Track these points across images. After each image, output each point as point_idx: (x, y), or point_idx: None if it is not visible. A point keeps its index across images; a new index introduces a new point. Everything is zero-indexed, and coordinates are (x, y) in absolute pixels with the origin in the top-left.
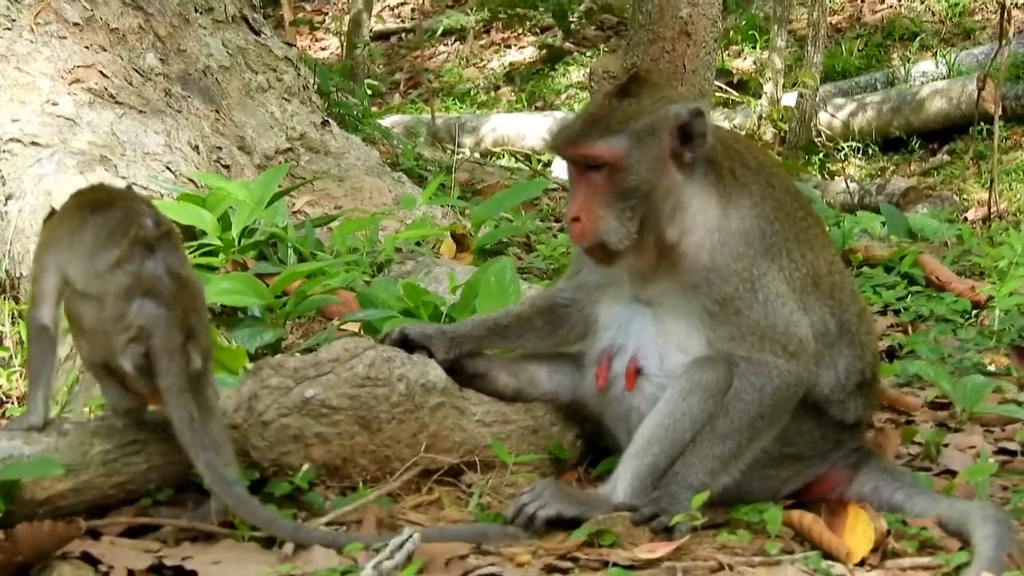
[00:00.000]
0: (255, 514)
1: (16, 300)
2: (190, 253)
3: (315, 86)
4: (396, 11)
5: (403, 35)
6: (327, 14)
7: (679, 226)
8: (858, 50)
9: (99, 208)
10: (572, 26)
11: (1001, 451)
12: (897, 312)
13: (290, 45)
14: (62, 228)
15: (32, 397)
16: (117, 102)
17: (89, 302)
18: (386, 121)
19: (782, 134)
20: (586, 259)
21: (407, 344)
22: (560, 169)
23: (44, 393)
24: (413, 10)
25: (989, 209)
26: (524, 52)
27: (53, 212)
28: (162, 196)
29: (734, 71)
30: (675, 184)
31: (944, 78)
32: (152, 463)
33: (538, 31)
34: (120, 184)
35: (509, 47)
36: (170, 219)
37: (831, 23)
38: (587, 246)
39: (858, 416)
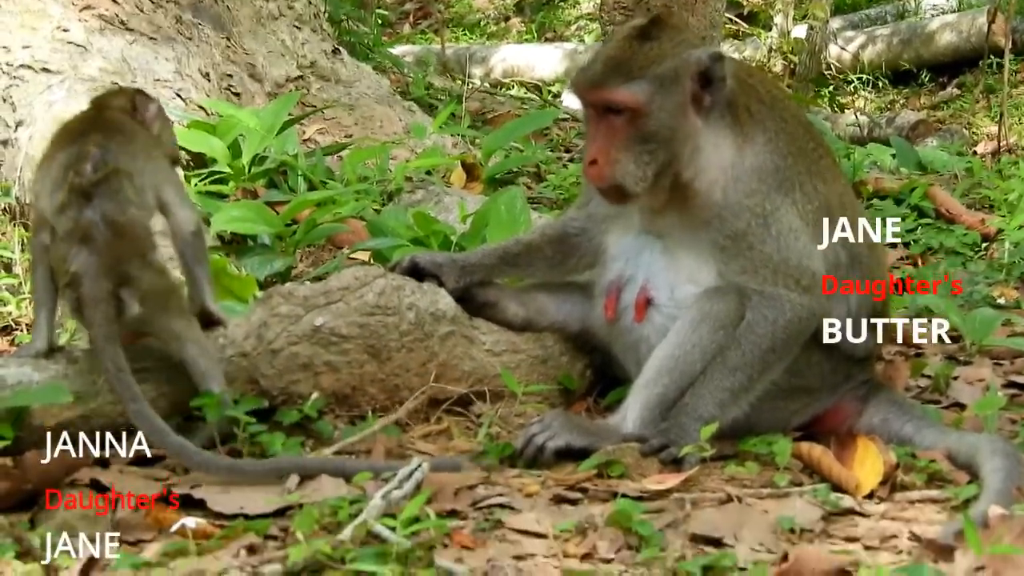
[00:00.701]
0: (191, 459)
1: (26, 227)
2: (200, 181)
3: (326, 14)
4: None
5: None
6: None
7: (695, 166)
8: None
9: (67, 143)
10: None
11: (1010, 384)
12: (907, 244)
13: None
14: (46, 156)
15: (36, 323)
16: (128, 29)
17: (54, 239)
18: (396, 51)
19: (792, 66)
20: (598, 196)
21: (417, 273)
22: (570, 100)
23: (48, 317)
24: None
25: (999, 142)
26: None
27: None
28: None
29: (744, 3)
30: (695, 129)
31: (954, 11)
32: (161, 391)
33: None
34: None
35: None
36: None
37: None
38: (604, 188)
39: (868, 349)
